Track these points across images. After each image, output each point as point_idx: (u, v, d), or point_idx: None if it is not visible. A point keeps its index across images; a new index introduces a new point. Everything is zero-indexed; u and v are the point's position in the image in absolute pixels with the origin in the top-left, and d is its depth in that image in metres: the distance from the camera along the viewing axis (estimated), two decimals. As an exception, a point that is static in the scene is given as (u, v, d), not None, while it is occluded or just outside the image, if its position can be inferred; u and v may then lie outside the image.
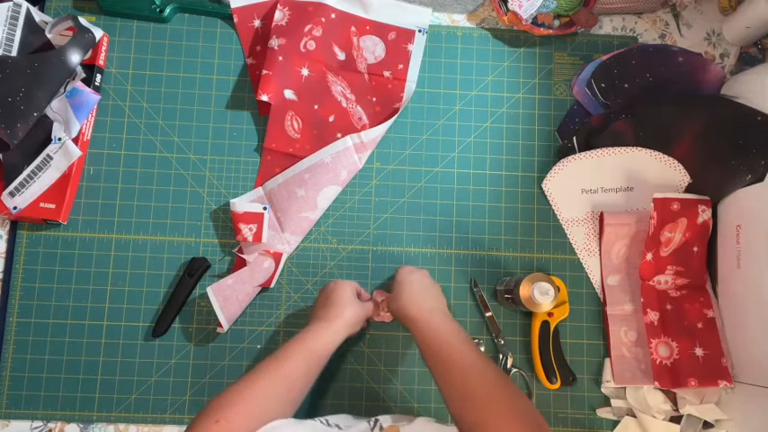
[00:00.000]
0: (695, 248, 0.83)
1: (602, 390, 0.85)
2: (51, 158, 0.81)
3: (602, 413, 0.84)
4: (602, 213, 0.86)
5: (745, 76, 0.84)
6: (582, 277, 0.87)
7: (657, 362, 0.81)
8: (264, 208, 0.84)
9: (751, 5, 0.84)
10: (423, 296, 0.76)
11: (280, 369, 0.66)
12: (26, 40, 0.82)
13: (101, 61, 0.86)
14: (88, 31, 0.83)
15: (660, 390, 0.83)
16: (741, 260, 0.79)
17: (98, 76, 0.86)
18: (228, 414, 0.58)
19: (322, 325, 0.73)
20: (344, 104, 0.89)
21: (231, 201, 0.84)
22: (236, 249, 0.85)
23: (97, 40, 0.84)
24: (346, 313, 0.74)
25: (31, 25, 0.82)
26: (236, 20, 0.89)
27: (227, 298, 0.81)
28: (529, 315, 0.85)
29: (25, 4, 0.82)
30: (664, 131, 0.84)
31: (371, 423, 0.63)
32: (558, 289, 0.79)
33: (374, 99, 0.89)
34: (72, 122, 0.81)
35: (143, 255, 0.85)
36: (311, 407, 0.83)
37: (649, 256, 0.83)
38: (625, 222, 0.85)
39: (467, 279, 0.87)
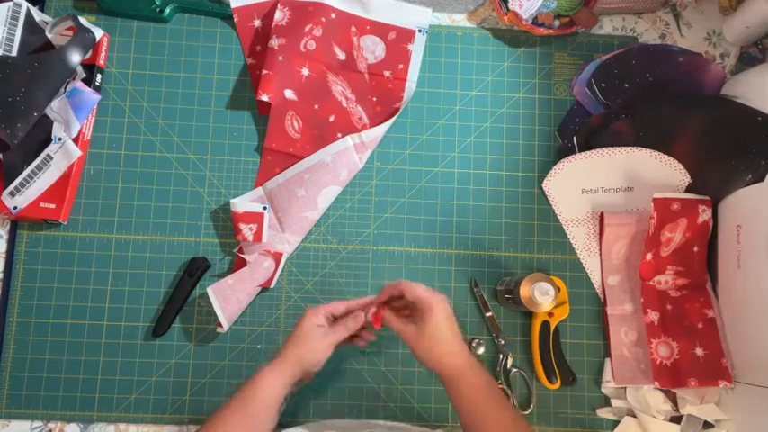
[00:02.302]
0: (695, 248, 0.83)
1: (602, 390, 0.85)
2: (51, 158, 0.81)
3: (602, 413, 0.84)
4: (602, 213, 0.86)
5: (745, 76, 0.84)
6: (582, 277, 0.87)
7: (657, 362, 0.81)
8: (264, 208, 0.84)
9: (751, 5, 0.84)
10: (457, 340, 0.69)
11: (213, 427, 0.64)
12: (26, 40, 0.82)
13: (101, 61, 0.86)
14: (88, 31, 0.83)
15: (660, 390, 0.83)
16: (741, 260, 0.79)
17: (98, 76, 0.86)
18: None
19: (267, 365, 0.69)
20: (345, 104, 0.89)
21: (231, 201, 0.84)
22: (237, 249, 0.85)
23: (97, 40, 0.84)
24: (292, 352, 0.69)
25: (31, 25, 0.82)
26: (236, 20, 0.89)
27: (227, 298, 0.81)
28: (529, 315, 0.85)
29: (25, 4, 0.82)
30: (664, 131, 0.84)
31: None
32: (558, 289, 0.79)
33: (374, 99, 0.89)
34: (72, 122, 0.81)
35: (143, 255, 0.85)
36: (310, 407, 0.83)
37: (649, 256, 0.83)
38: (625, 222, 0.85)
39: (467, 279, 0.87)
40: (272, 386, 0.67)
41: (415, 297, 0.70)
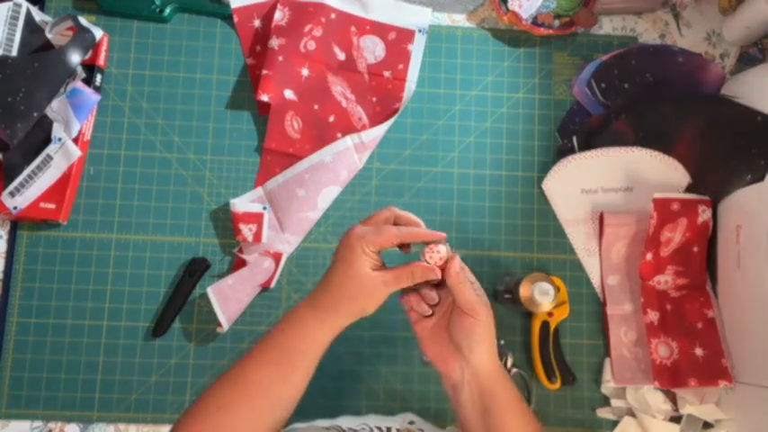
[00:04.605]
0: (695, 248, 0.83)
1: (602, 390, 0.85)
2: (51, 158, 0.81)
3: (602, 413, 0.84)
4: (602, 213, 0.86)
5: (745, 76, 0.84)
6: (582, 277, 0.87)
7: (657, 362, 0.81)
8: (264, 208, 0.84)
9: (751, 5, 0.84)
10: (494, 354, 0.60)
11: (244, 377, 0.56)
12: (26, 40, 0.82)
13: (101, 61, 0.86)
14: (88, 31, 0.83)
15: (660, 390, 0.83)
16: (741, 260, 0.79)
17: (98, 76, 0.86)
18: None
19: (311, 313, 0.58)
20: (344, 104, 0.89)
21: (231, 201, 0.84)
22: (236, 249, 0.85)
23: (97, 40, 0.84)
24: (351, 306, 0.57)
25: (31, 25, 0.82)
26: (236, 20, 0.89)
27: (227, 298, 0.81)
28: (528, 315, 0.85)
29: (25, 4, 0.82)
30: (664, 131, 0.84)
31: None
32: (557, 289, 0.79)
33: (374, 99, 0.89)
34: (72, 122, 0.81)
35: (143, 255, 0.85)
36: (309, 408, 0.83)
37: (649, 256, 0.83)
38: (625, 222, 0.85)
39: (467, 279, 0.87)
40: (321, 343, 0.57)
41: (460, 300, 0.58)
